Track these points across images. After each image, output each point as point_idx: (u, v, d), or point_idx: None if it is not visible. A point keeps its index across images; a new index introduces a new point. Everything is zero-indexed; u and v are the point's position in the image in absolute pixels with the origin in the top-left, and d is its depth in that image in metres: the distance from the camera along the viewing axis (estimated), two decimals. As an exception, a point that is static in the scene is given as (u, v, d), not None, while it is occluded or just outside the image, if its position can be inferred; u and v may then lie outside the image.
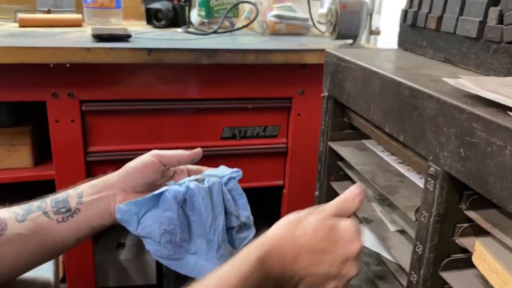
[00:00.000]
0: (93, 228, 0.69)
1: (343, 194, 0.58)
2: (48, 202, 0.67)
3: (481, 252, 0.44)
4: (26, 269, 0.66)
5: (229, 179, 0.73)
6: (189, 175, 0.76)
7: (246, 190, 0.75)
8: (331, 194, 0.84)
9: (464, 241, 0.50)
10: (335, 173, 0.83)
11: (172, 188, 0.67)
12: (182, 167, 0.76)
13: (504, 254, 0.43)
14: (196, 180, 0.70)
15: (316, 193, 0.86)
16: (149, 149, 0.71)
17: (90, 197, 0.69)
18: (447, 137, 0.47)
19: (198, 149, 0.74)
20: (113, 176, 0.71)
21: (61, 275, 1.39)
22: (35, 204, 0.67)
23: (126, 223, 0.68)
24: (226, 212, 0.71)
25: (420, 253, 0.52)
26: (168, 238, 0.67)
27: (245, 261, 0.50)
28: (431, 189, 0.49)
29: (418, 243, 0.52)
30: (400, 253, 0.62)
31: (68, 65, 1.10)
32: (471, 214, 0.48)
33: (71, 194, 0.68)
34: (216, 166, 0.76)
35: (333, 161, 0.82)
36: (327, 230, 0.53)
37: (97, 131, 1.20)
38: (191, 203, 0.68)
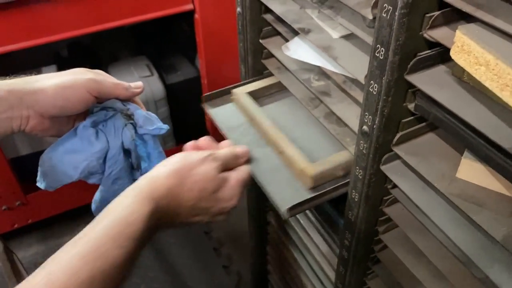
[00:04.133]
0: None
1: (234, 148, 0.58)
2: None
3: (464, 43, 0.35)
4: None
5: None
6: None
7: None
8: (255, 8, 0.70)
9: (434, 34, 0.40)
10: (257, -21, 0.68)
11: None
12: None
13: (495, 42, 0.35)
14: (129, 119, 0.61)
15: (238, 9, 0.71)
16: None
17: None
18: None
19: (141, 86, 0.62)
20: (32, 94, 0.54)
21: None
22: None
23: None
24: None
25: (382, 57, 0.42)
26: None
27: (131, 220, 0.46)
28: (397, -29, 0.38)
29: (379, 46, 0.42)
30: (349, 62, 0.53)
31: None
32: (447, -4, 0.38)
33: None
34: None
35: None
36: (213, 190, 0.53)
37: None
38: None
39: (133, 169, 0.63)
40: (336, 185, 0.57)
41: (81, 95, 0.55)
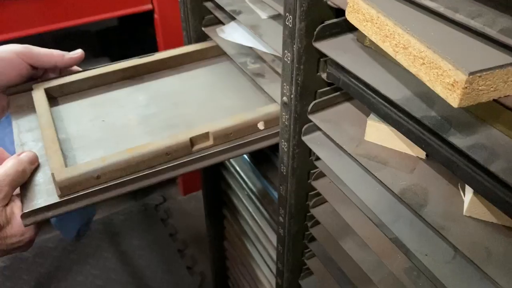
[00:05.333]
0: None
1: (19, 160, 0.49)
2: None
3: (354, 2, 0.38)
4: None
5: None
6: (60, 74, 0.64)
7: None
8: (196, -4, 0.72)
9: (336, 1, 0.43)
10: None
11: None
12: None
13: (382, 2, 0.37)
14: None
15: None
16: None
17: None
18: None
19: (80, 51, 0.61)
20: None
21: None
22: None
23: None
24: None
25: (290, 26, 0.44)
26: None
27: None
28: None
29: (287, 14, 0.44)
30: (273, 39, 0.55)
31: None
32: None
33: None
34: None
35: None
36: None
37: None
38: None
39: None
40: (91, 190, 0.50)
41: (11, 60, 0.56)
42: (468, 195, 0.38)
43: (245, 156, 0.81)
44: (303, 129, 0.52)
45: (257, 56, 0.66)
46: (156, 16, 1.23)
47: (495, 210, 0.36)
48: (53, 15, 1.15)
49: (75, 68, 0.64)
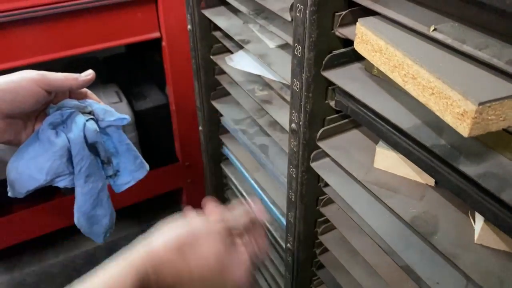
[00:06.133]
0: None
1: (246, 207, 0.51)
2: None
3: (363, 34, 0.39)
4: None
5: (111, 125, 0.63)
6: (69, 96, 0.64)
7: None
8: (205, 26, 0.74)
9: (344, 31, 0.44)
10: (206, -2, 0.72)
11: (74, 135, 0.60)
12: None
13: (387, 30, 0.38)
14: (88, 115, 0.62)
15: (189, 26, 0.75)
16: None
17: None
18: None
19: (91, 72, 0.62)
20: None
21: None
22: None
23: None
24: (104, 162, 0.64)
25: (299, 55, 0.45)
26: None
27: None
28: (304, -27, 0.41)
29: (296, 44, 0.45)
30: (282, 67, 0.56)
31: None
32: (350, -6, 0.41)
33: None
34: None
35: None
36: (220, 269, 0.47)
37: None
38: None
39: (104, 164, 0.64)
40: None
41: (30, 88, 0.57)
42: (478, 222, 0.38)
43: (251, 179, 0.82)
44: (312, 155, 0.52)
45: (265, 83, 0.67)
46: (164, 43, 1.25)
47: (507, 238, 0.36)
48: (61, 42, 1.17)
49: (84, 90, 0.65)
